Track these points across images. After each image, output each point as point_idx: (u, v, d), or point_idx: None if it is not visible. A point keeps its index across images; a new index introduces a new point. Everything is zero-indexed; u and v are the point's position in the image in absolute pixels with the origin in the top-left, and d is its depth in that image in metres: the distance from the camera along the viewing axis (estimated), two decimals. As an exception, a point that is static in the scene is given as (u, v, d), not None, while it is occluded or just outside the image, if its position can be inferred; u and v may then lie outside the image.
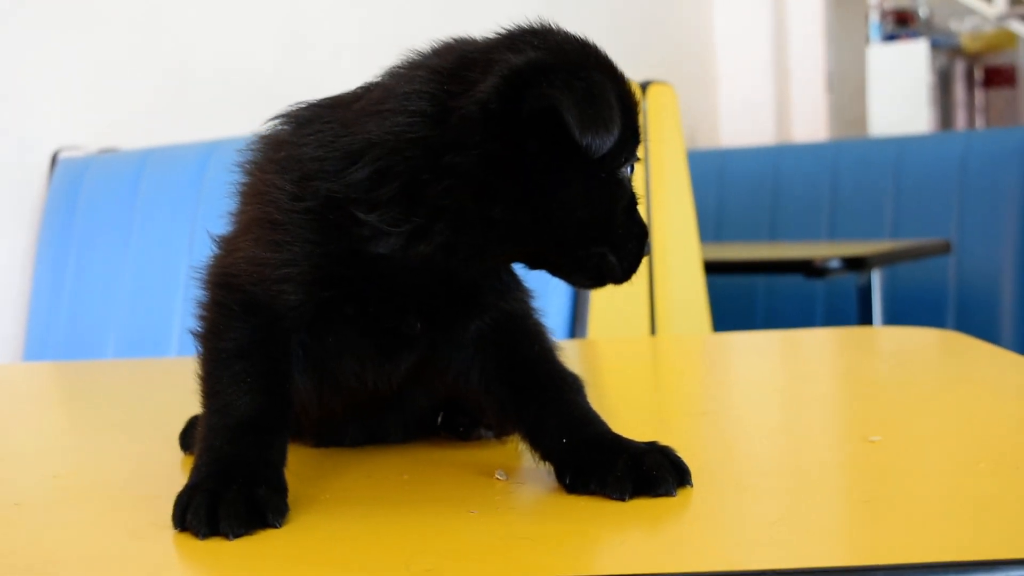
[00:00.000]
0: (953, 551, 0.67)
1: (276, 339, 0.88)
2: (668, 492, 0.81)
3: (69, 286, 2.76)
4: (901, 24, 7.95)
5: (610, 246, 0.87)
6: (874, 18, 7.60)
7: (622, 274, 0.88)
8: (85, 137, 2.95)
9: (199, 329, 0.91)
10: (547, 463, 0.87)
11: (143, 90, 3.06)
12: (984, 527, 0.72)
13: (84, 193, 2.79)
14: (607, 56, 0.90)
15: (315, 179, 0.85)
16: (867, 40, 7.21)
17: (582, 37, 0.89)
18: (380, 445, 1.03)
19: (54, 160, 2.90)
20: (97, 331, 2.68)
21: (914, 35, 7.70)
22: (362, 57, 3.23)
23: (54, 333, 2.76)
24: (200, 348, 0.90)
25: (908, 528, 0.73)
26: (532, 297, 0.96)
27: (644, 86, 2.24)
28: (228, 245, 0.93)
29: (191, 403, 1.24)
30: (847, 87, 6.30)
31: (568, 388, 0.90)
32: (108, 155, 2.89)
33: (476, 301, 0.91)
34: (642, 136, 0.91)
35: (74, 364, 2.26)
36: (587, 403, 0.90)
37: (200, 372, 0.89)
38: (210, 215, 2.51)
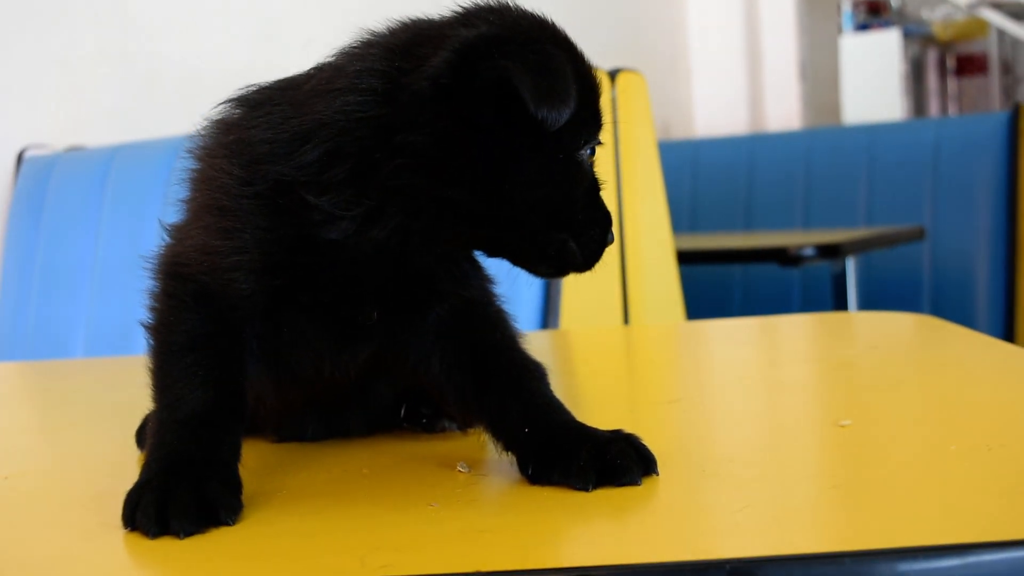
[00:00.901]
0: (924, 535, 0.66)
1: (229, 330, 0.85)
2: (633, 481, 0.79)
3: (36, 285, 2.72)
4: (873, 13, 7.96)
5: (571, 232, 0.85)
6: (846, 7, 7.61)
7: (583, 262, 0.86)
8: (51, 135, 2.91)
9: (150, 321, 0.88)
10: (510, 453, 0.85)
11: (110, 87, 3.02)
12: (954, 511, 0.70)
13: (51, 191, 2.75)
14: (566, 34, 0.88)
15: (265, 163, 0.83)
16: (839, 29, 7.21)
17: (540, 15, 0.87)
18: (341, 439, 1.01)
19: (20, 158, 2.86)
20: (65, 329, 2.64)
21: (886, 24, 7.71)
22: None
23: (22, 332, 2.72)
24: (151, 341, 0.87)
25: (878, 513, 0.72)
26: (494, 284, 0.94)
27: (613, 74, 2.22)
28: (178, 234, 0.91)
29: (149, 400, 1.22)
30: (820, 76, 6.31)
31: (530, 376, 0.88)
32: (75, 152, 2.85)
33: (434, 288, 0.88)
34: (605, 120, 0.89)
35: (40, 364, 2.22)
36: (550, 391, 0.88)
37: (151, 366, 0.86)
38: (178, 211, 2.49)
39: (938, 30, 8.36)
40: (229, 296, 0.84)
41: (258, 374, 0.87)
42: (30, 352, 2.68)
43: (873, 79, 6.96)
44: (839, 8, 7.38)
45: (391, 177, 0.80)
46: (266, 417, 0.96)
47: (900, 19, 7.95)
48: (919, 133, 4.18)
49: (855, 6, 7.81)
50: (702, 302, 3.84)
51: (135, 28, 3.07)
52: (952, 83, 8.46)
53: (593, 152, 0.88)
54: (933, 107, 8.18)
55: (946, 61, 8.49)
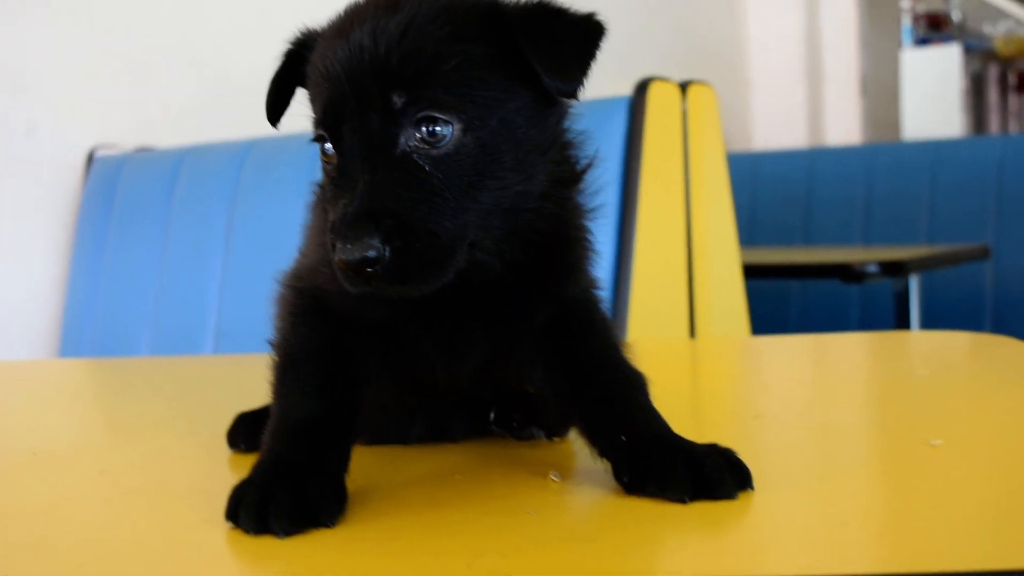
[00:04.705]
0: (1029, 558, 0.65)
1: (343, 343, 0.87)
2: (729, 495, 0.79)
3: (104, 284, 2.76)
4: (934, 28, 7.89)
5: None
6: (906, 22, 7.54)
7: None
8: (121, 135, 2.96)
9: (274, 337, 0.92)
10: (604, 460, 0.86)
11: (179, 89, 3.07)
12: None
13: (120, 191, 2.80)
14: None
15: None
16: (900, 44, 7.15)
17: None
18: (428, 443, 1.02)
19: (90, 158, 2.91)
20: (132, 328, 2.68)
21: (947, 39, 7.63)
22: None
23: (89, 330, 2.76)
24: (273, 355, 0.90)
25: (982, 533, 0.71)
26: (599, 287, 0.94)
27: (684, 86, 2.22)
28: (301, 252, 0.94)
29: (231, 400, 1.23)
30: (880, 91, 6.26)
31: (630, 385, 0.88)
32: (144, 153, 2.89)
33: (534, 290, 0.89)
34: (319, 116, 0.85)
35: (109, 361, 2.26)
36: (649, 401, 0.88)
37: (271, 378, 0.89)
38: (245, 214, 2.52)
39: (999, 45, 8.26)
40: (343, 311, 0.86)
41: (374, 384, 0.89)
42: (97, 350, 2.73)
43: (933, 94, 6.90)
44: (899, 22, 7.31)
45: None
46: (375, 422, 0.98)
47: (961, 34, 7.87)
48: (983, 150, 4.14)
49: (915, 20, 7.74)
50: (759, 317, 3.82)
51: (205, 31, 3.12)
52: (1013, 99, 8.35)
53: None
54: (993, 123, 8.07)
55: (1007, 77, 8.38)
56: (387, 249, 0.76)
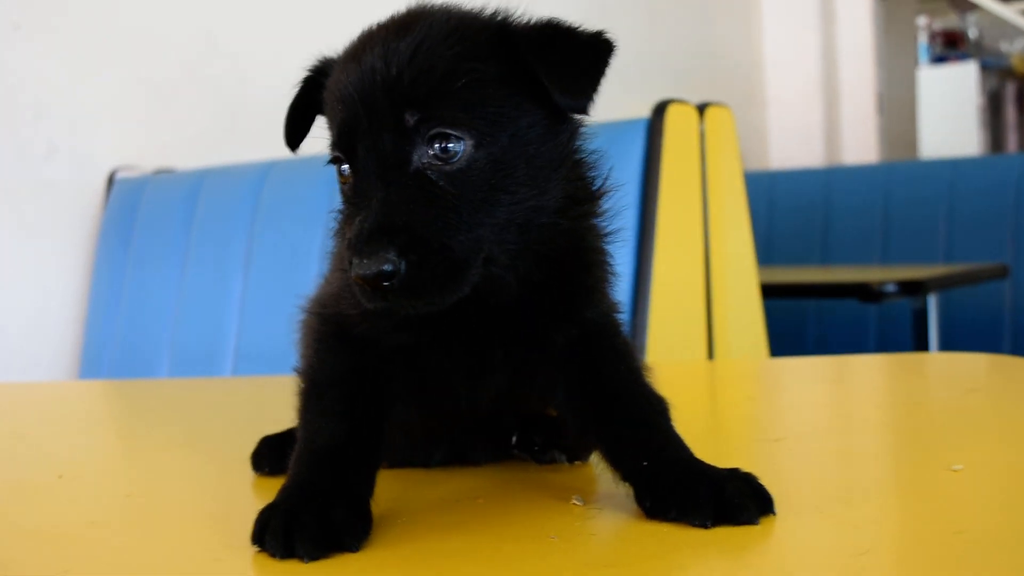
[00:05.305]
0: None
1: (367, 368, 0.88)
2: (750, 520, 0.80)
3: (125, 305, 2.78)
4: (950, 46, 7.89)
5: None
6: (923, 40, 7.54)
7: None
8: (142, 157, 2.98)
9: (300, 364, 0.93)
10: (626, 484, 0.86)
11: (199, 110, 3.09)
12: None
13: (140, 212, 2.82)
14: None
15: None
16: (916, 62, 7.15)
17: None
18: (450, 467, 1.03)
19: (111, 179, 2.93)
20: (151, 349, 2.69)
21: (964, 57, 7.64)
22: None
23: (109, 351, 2.78)
24: (299, 381, 0.91)
25: (1003, 560, 0.71)
26: (620, 311, 0.95)
27: (701, 108, 2.23)
28: (326, 279, 0.95)
29: (253, 423, 1.24)
30: (897, 109, 6.26)
31: (652, 409, 0.89)
32: (164, 175, 2.91)
33: (554, 312, 0.90)
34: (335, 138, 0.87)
35: (130, 383, 2.27)
36: (671, 426, 0.88)
37: (297, 404, 0.90)
38: (265, 235, 2.54)
39: (1017, 63, 8.25)
40: (366, 336, 0.87)
41: (399, 408, 0.89)
42: (117, 370, 2.74)
43: (950, 112, 6.89)
44: (916, 41, 7.31)
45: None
46: (393, 446, 0.98)
47: (978, 52, 7.87)
48: (1001, 168, 4.13)
49: (932, 38, 7.74)
50: (775, 336, 3.81)
51: (222, 54, 3.14)
52: (1031, 117, 8.33)
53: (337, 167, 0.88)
54: (1011, 141, 8.06)
55: (1025, 95, 8.36)
56: (403, 263, 0.77)
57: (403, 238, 0.78)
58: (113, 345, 2.77)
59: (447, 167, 0.81)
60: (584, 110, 0.85)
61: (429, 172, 0.81)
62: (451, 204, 0.80)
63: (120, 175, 2.93)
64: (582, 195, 0.91)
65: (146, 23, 2.99)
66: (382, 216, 0.79)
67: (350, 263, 0.78)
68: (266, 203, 2.57)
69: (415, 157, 0.81)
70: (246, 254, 2.56)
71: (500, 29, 0.86)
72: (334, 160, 0.87)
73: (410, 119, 0.81)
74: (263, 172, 2.64)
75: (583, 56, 0.85)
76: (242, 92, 3.16)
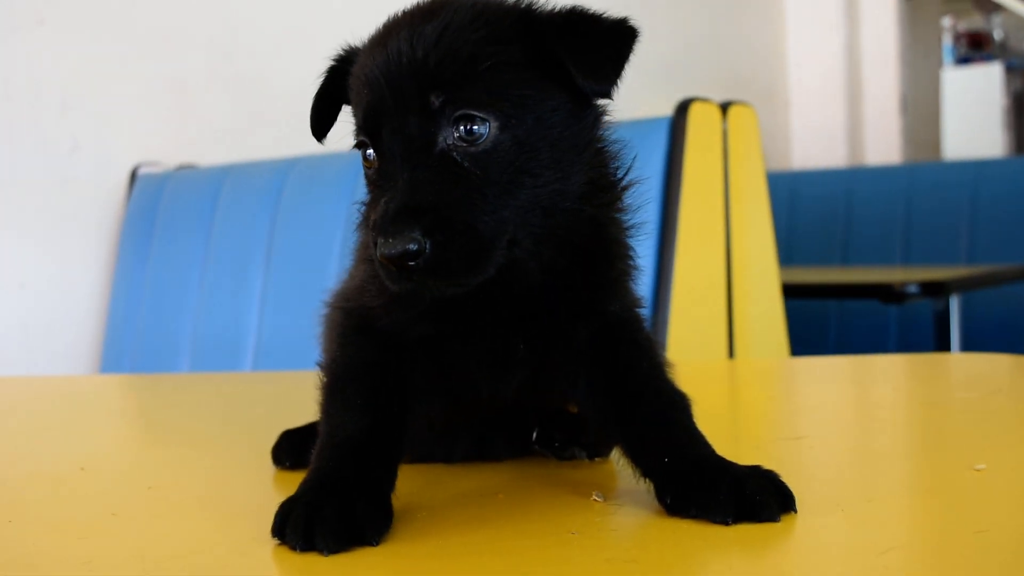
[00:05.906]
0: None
1: (389, 361, 0.88)
2: (772, 518, 0.79)
3: (146, 299, 2.79)
4: (975, 47, 7.83)
5: None
6: (947, 41, 7.50)
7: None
8: (164, 153, 3.00)
9: (322, 357, 0.93)
10: (646, 480, 0.86)
11: (222, 107, 3.11)
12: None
13: (163, 208, 2.83)
14: None
15: None
16: (940, 63, 7.11)
17: None
18: (471, 462, 1.03)
19: (133, 175, 2.94)
20: (172, 343, 2.71)
21: (988, 58, 7.58)
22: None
23: (130, 346, 2.79)
24: (321, 374, 0.91)
25: (1027, 561, 0.71)
26: (642, 306, 0.95)
27: (724, 107, 2.22)
28: (349, 272, 0.96)
29: (274, 417, 1.25)
30: (921, 110, 6.22)
31: (674, 406, 0.89)
32: (186, 171, 2.93)
33: (582, 303, 0.90)
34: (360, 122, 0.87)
35: (151, 377, 2.29)
36: (692, 423, 0.88)
37: (319, 397, 0.90)
38: (286, 231, 2.54)
39: (1042, 65, 8.18)
40: (389, 328, 0.88)
41: (422, 401, 0.89)
42: (137, 365, 2.76)
43: (974, 113, 6.85)
44: (940, 41, 7.27)
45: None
46: (415, 440, 0.98)
47: (1002, 53, 7.81)
48: (1024, 170, 4.10)
49: (956, 39, 7.69)
50: (796, 337, 3.80)
51: (245, 52, 3.16)
52: (1055, 119, 8.26)
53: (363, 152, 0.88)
54: (1035, 143, 7.99)
55: (1050, 96, 8.30)
56: (428, 243, 0.78)
57: (429, 218, 0.78)
58: (134, 339, 2.79)
59: (472, 149, 0.81)
60: (608, 94, 0.85)
61: (454, 154, 0.82)
62: (476, 185, 0.81)
63: (143, 171, 2.94)
64: (604, 183, 0.91)
65: (170, 21, 3.01)
66: (408, 197, 0.79)
67: (375, 243, 0.78)
68: (287, 199, 2.58)
69: (440, 139, 0.82)
70: (267, 250, 2.57)
71: (524, 14, 0.86)
72: (359, 145, 0.87)
73: (435, 101, 0.81)
74: (285, 169, 2.65)
75: (607, 41, 0.86)
76: (264, 89, 3.17)
